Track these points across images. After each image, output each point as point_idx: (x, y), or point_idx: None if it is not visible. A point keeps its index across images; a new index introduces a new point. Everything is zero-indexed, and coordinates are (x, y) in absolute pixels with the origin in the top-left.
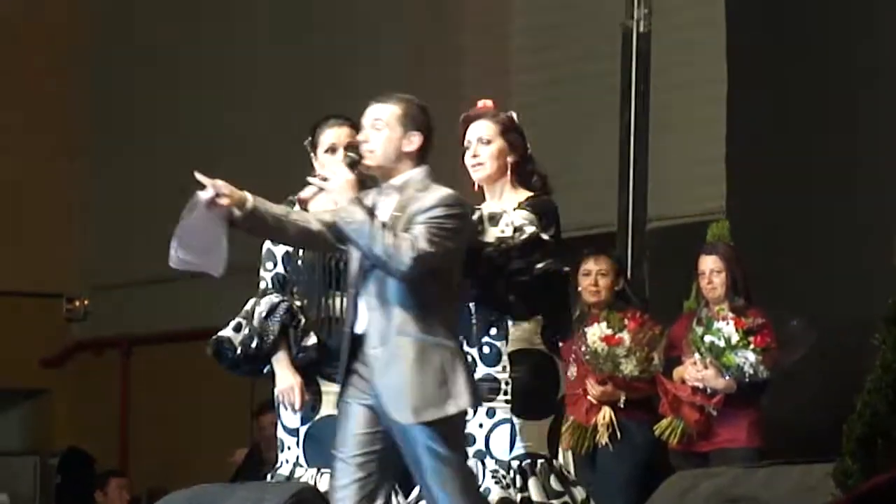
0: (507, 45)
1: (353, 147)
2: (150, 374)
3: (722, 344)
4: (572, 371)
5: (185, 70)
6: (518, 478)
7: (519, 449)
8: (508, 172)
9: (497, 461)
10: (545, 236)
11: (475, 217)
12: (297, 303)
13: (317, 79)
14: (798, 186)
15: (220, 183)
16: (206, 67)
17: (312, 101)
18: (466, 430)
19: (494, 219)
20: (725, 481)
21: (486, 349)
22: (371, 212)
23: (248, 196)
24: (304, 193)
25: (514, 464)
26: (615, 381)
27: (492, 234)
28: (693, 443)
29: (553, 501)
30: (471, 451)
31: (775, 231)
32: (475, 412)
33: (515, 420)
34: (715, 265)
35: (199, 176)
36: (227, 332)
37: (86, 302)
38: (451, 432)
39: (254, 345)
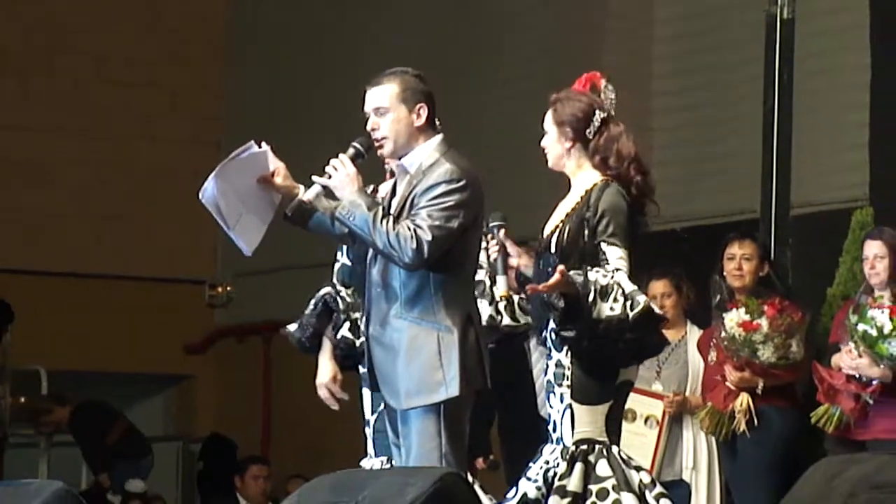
0: (649, 33)
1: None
2: (292, 360)
3: (874, 333)
4: (712, 356)
5: (325, 53)
6: (566, 464)
7: (577, 434)
8: (571, 158)
9: (563, 447)
10: (656, 309)
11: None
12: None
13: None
14: None
15: (281, 164)
16: (342, 56)
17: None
18: (552, 418)
19: (606, 293)
20: (872, 467)
21: (553, 335)
22: (376, 203)
23: (301, 188)
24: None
25: (572, 449)
26: (752, 367)
27: (604, 311)
28: (850, 430)
29: (591, 487)
30: (554, 436)
31: None
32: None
33: (574, 405)
34: (879, 250)
35: (265, 147)
36: (291, 327)
37: (228, 288)
38: (445, 419)
39: (303, 338)
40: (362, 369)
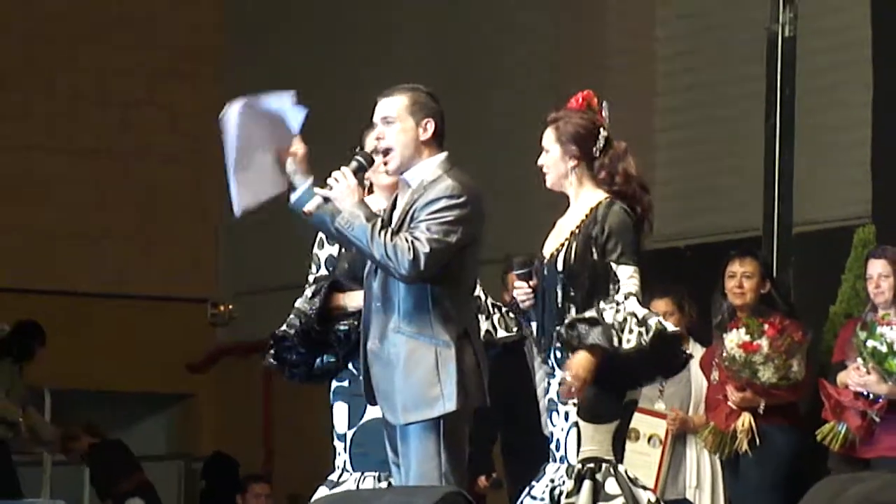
0: (651, 50)
1: (363, 151)
2: None
3: (884, 349)
4: (714, 376)
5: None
6: (573, 482)
7: (584, 453)
8: (574, 176)
9: (568, 465)
10: (669, 327)
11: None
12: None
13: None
14: None
15: (303, 147)
16: (342, 70)
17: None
18: (555, 436)
19: (623, 329)
20: (875, 486)
21: (558, 353)
22: (374, 215)
23: (310, 178)
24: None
25: (578, 468)
26: (753, 387)
27: (624, 344)
28: (855, 449)
29: None
30: (557, 455)
31: None
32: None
33: (581, 423)
34: (883, 269)
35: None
36: (282, 328)
37: (230, 307)
38: (444, 437)
39: (302, 322)
40: (336, 383)
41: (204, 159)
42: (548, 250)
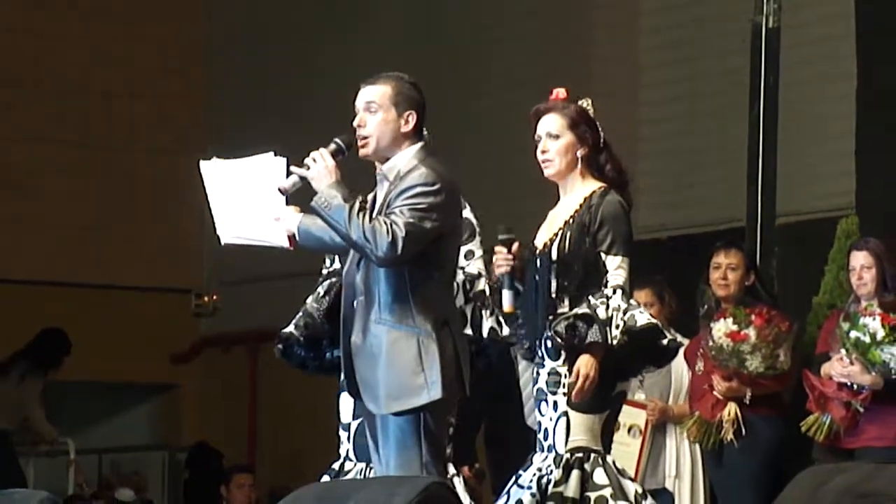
0: (636, 42)
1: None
2: (278, 370)
3: (867, 340)
4: (699, 366)
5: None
6: (561, 472)
7: (572, 442)
8: (578, 165)
9: (556, 454)
10: (642, 319)
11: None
12: None
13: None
14: None
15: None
16: (329, 62)
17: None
18: (543, 426)
19: (610, 324)
20: (857, 477)
21: (549, 343)
22: (352, 196)
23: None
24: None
25: (567, 457)
26: (740, 377)
27: (611, 337)
28: (840, 439)
29: (589, 494)
30: (545, 444)
31: None
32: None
33: (570, 413)
34: (865, 260)
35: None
36: (289, 328)
37: (214, 297)
38: (425, 427)
39: (311, 320)
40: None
41: (188, 151)
42: (540, 241)
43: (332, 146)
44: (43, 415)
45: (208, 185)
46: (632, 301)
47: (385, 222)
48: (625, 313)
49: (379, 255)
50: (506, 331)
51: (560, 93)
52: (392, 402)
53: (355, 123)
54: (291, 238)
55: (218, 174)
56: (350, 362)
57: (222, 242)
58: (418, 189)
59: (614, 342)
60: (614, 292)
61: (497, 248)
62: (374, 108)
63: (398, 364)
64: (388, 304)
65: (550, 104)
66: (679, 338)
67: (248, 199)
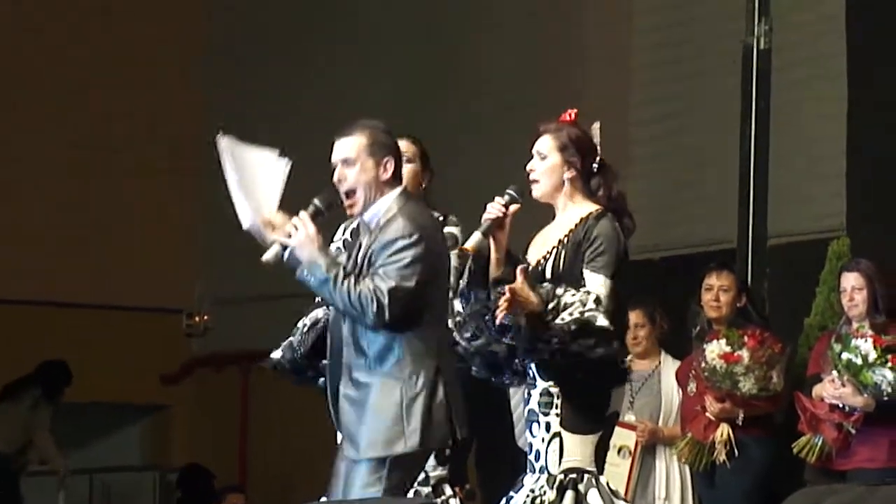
0: (627, 62)
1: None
2: (270, 391)
3: (859, 361)
4: (691, 387)
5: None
6: (555, 493)
7: (565, 463)
8: (566, 187)
9: (549, 475)
10: (602, 322)
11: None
12: None
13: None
14: None
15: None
16: (318, 92)
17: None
18: (535, 447)
19: (566, 307)
20: (849, 498)
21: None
22: (335, 264)
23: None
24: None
25: (560, 478)
26: (733, 398)
27: (557, 322)
28: (831, 461)
29: None
30: (537, 465)
31: None
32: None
33: (563, 434)
34: (856, 282)
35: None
36: (277, 354)
37: (205, 317)
38: (395, 472)
39: (293, 356)
40: None
41: (181, 170)
42: (533, 257)
43: (311, 209)
44: (52, 441)
45: (225, 161)
46: (601, 309)
47: (370, 289)
48: (584, 311)
49: (368, 324)
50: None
51: (570, 114)
52: (369, 449)
53: (335, 179)
54: (317, 236)
55: (232, 153)
56: (336, 407)
57: (245, 227)
58: (399, 244)
59: (557, 320)
60: (588, 294)
61: (497, 199)
62: (352, 161)
63: (381, 413)
64: (377, 354)
65: (549, 125)
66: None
67: (254, 187)
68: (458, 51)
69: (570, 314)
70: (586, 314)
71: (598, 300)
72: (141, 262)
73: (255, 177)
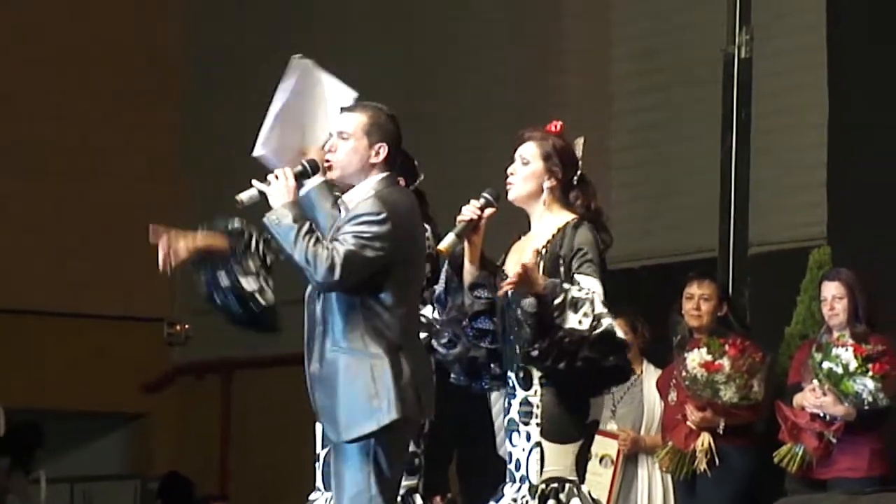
0: (607, 71)
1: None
2: (251, 399)
3: (840, 370)
4: (672, 396)
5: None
6: (537, 502)
7: (546, 473)
8: (543, 195)
9: (530, 485)
10: (619, 333)
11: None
12: None
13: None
14: None
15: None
16: None
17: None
18: (515, 456)
19: (576, 306)
20: None
21: (521, 373)
22: (303, 218)
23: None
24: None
25: (542, 487)
26: (714, 407)
27: (570, 321)
28: (812, 470)
29: None
30: (517, 475)
31: (877, 257)
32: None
33: (544, 443)
34: (837, 291)
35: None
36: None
37: (186, 326)
38: (375, 456)
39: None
40: None
41: (161, 179)
42: (511, 268)
43: (299, 168)
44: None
45: (286, 81)
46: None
47: (327, 247)
48: (596, 315)
49: (317, 280)
50: None
51: (556, 125)
52: (350, 429)
53: (326, 147)
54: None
55: (303, 75)
56: (313, 390)
57: (255, 153)
58: (364, 218)
59: (580, 326)
60: (593, 292)
61: (473, 201)
62: (346, 135)
63: (353, 389)
64: (342, 331)
65: (535, 132)
66: (644, 370)
67: (302, 117)
68: (438, 52)
69: (586, 315)
70: (604, 321)
71: (602, 301)
72: (121, 272)
73: (312, 106)
